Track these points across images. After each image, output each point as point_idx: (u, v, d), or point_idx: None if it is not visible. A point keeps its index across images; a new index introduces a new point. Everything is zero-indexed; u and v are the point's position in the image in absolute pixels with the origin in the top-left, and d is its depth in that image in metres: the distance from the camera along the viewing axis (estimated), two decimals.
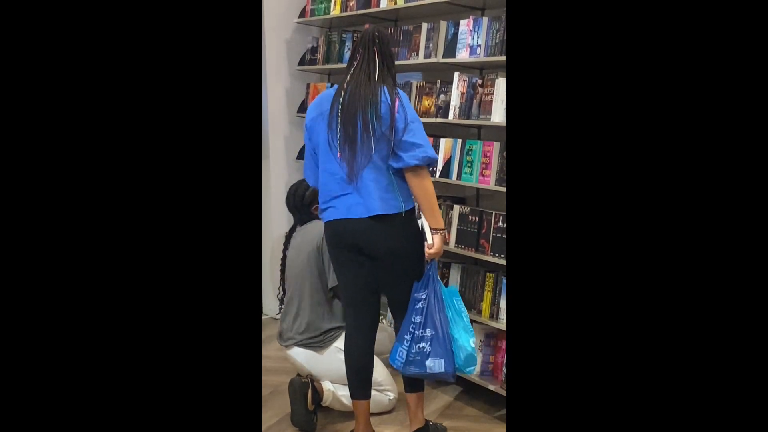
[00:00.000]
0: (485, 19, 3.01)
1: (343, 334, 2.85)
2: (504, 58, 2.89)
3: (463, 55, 3.07)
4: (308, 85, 4.14)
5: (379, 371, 2.90)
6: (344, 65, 3.74)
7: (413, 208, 2.48)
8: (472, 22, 3.05)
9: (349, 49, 3.81)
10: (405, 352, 2.48)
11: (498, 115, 2.89)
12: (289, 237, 3.08)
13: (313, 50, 4.09)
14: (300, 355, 2.89)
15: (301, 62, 4.15)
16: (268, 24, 4.06)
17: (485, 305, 3.00)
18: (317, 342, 2.86)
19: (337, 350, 2.85)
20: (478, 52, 3.02)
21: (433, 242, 2.45)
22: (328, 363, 2.87)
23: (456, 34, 3.12)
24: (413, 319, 2.47)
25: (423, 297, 2.47)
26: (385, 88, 2.39)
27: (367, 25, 2.57)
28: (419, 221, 2.50)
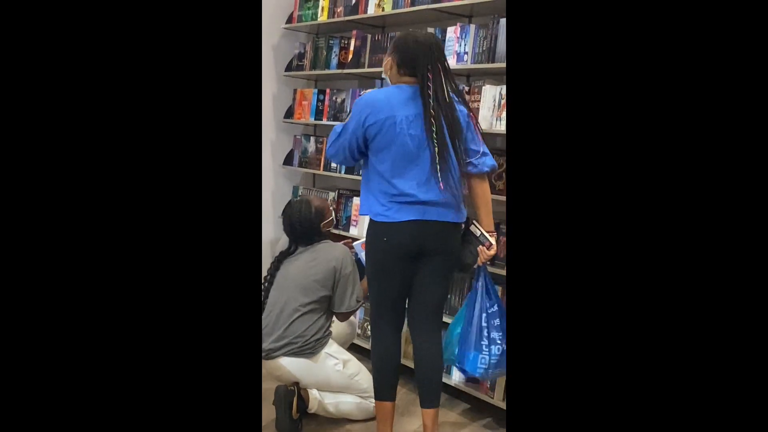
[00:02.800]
0: (472, 27, 3.02)
1: (330, 340, 2.87)
2: (490, 65, 2.90)
3: (450, 62, 3.07)
4: (295, 91, 4.13)
5: (365, 378, 2.89)
6: (331, 71, 3.78)
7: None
8: (459, 29, 3.06)
9: (336, 55, 3.81)
10: (487, 358, 2.58)
11: (485, 121, 2.90)
12: (276, 266, 2.92)
13: (300, 56, 4.08)
14: (290, 365, 2.80)
15: (288, 68, 4.14)
16: None
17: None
18: (308, 348, 2.80)
19: (326, 356, 2.83)
20: (465, 59, 3.03)
21: (492, 243, 2.54)
22: (320, 369, 2.82)
23: (443, 41, 3.13)
24: (484, 324, 2.59)
25: (495, 302, 2.61)
26: (458, 99, 2.46)
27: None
28: (471, 227, 2.58)
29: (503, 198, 2.78)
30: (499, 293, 2.76)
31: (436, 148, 2.37)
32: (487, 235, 2.53)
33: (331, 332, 2.91)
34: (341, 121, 3.69)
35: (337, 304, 2.84)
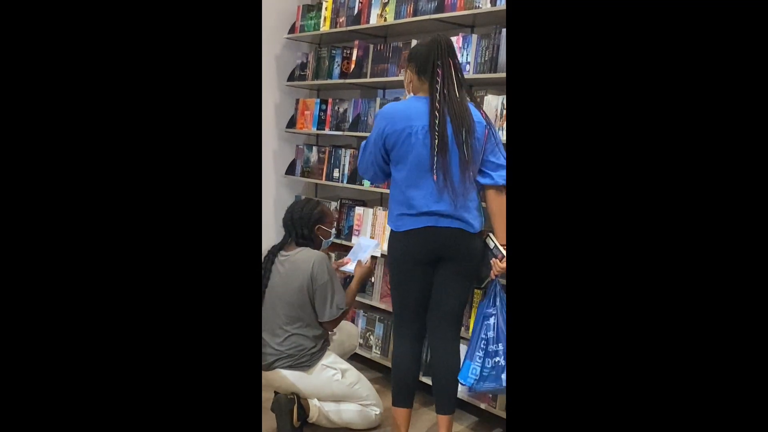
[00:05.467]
0: (474, 37, 3.03)
1: (327, 351, 2.86)
2: (493, 75, 2.91)
3: None
4: (297, 101, 4.14)
5: (365, 386, 2.89)
6: (333, 81, 3.79)
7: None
8: (461, 39, 3.07)
9: (338, 65, 3.83)
10: (479, 369, 2.55)
11: None
12: (271, 260, 2.90)
13: (303, 66, 4.10)
14: (289, 376, 2.80)
15: (291, 78, 4.16)
16: None
17: (472, 321, 2.99)
18: (304, 362, 2.81)
19: (323, 367, 2.82)
20: (467, 69, 3.03)
21: (504, 255, 2.52)
22: (316, 380, 2.82)
23: None
24: (482, 335, 2.55)
25: (493, 312, 2.56)
26: (472, 105, 2.46)
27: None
28: (486, 238, 2.58)
29: None
30: None
31: (436, 140, 2.38)
32: (501, 247, 2.52)
33: (329, 343, 2.90)
34: (343, 130, 3.72)
35: (318, 314, 2.81)
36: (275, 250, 2.91)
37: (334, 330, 3.07)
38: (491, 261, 2.54)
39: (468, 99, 2.47)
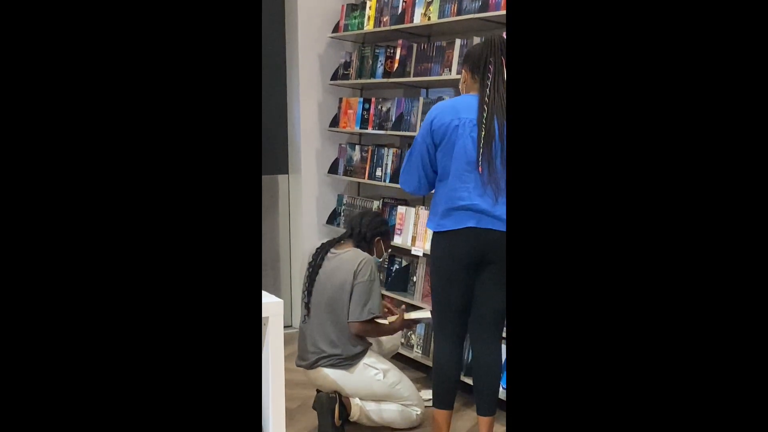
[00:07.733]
0: None
1: (369, 351, 2.88)
2: None
3: None
4: (340, 100, 4.17)
5: (406, 386, 2.89)
6: (377, 80, 3.80)
7: None
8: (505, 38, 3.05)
9: (381, 64, 3.83)
10: None
11: None
12: (322, 255, 2.92)
13: (346, 65, 4.11)
14: (331, 374, 2.83)
15: (334, 77, 4.18)
16: (302, 38, 4.11)
17: None
18: (346, 362, 2.83)
19: (365, 366, 2.84)
20: None
21: None
22: (358, 380, 2.84)
23: None
24: None
25: None
26: None
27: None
28: None
29: None
30: None
31: (483, 132, 2.41)
32: None
33: (370, 344, 2.92)
34: (386, 130, 3.72)
35: (351, 311, 2.80)
36: (327, 246, 2.94)
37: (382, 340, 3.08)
38: None
39: None
